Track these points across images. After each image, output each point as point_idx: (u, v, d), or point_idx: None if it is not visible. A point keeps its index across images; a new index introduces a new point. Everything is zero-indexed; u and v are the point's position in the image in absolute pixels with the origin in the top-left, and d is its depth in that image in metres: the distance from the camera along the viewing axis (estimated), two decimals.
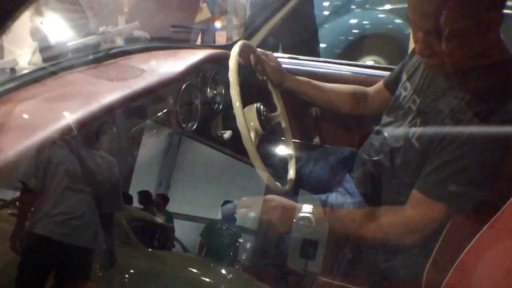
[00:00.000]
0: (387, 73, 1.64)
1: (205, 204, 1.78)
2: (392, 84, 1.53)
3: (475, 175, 1.12)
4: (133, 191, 1.65)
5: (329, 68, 2.06)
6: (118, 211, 1.48)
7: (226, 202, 1.62)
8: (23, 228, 1.24)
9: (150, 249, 1.62)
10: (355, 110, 1.67)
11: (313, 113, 1.93)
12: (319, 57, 3.00)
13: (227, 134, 1.62)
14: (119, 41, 1.58)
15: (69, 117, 1.02)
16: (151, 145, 1.54)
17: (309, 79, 1.71)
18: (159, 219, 1.69)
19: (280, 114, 1.73)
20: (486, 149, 1.11)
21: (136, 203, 1.69)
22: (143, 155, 1.49)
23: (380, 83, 1.61)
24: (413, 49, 1.38)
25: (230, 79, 1.42)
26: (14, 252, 1.21)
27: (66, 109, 1.07)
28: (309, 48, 3.01)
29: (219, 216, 1.69)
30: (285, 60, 2.12)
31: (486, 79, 1.16)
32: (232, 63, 1.45)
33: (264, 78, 1.73)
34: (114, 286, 1.47)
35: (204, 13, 4.25)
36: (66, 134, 1.02)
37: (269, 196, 1.36)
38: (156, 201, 1.77)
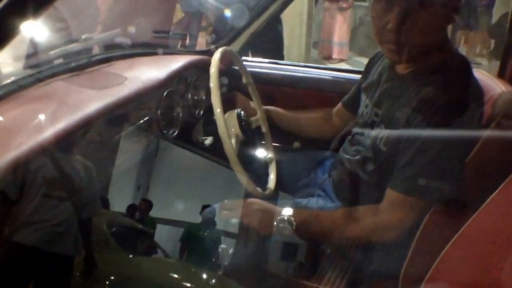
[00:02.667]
0: None
1: (185, 208, 1.79)
2: (351, 103, 1.65)
3: (441, 167, 1.19)
4: (112, 196, 1.65)
5: (309, 73, 2.11)
6: (96, 216, 1.48)
7: (205, 207, 1.64)
8: (2, 237, 1.24)
9: (130, 255, 1.62)
10: (322, 133, 1.78)
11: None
12: (283, 59, 3.13)
13: (208, 140, 1.63)
14: (101, 48, 1.58)
15: (51, 126, 1.03)
16: (130, 151, 1.55)
17: (276, 108, 1.81)
18: (139, 225, 1.69)
19: (260, 119, 1.76)
20: (447, 142, 1.19)
21: (116, 209, 1.69)
22: (121, 161, 1.50)
23: (340, 104, 1.71)
24: (365, 71, 1.54)
25: (211, 85, 1.44)
26: None
27: (47, 118, 1.08)
28: (276, 51, 3.14)
29: (199, 220, 1.70)
30: (265, 65, 2.16)
31: (436, 78, 1.24)
32: (213, 70, 1.47)
33: (245, 82, 1.77)
34: None
35: (177, 14, 4.29)
36: (47, 143, 1.02)
37: (250, 200, 1.39)
38: (139, 206, 1.78)
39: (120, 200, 1.78)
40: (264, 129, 1.77)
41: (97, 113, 1.13)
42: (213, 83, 1.44)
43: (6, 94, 1.11)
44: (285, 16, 6.00)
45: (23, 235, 1.27)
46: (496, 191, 1.01)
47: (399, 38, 1.21)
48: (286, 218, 1.30)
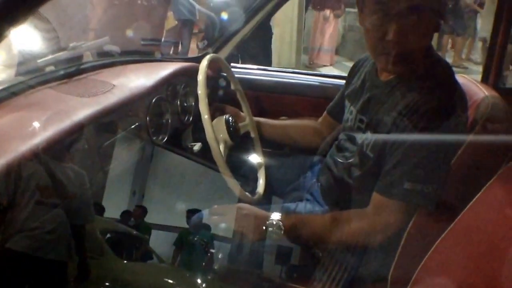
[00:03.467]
0: None
1: (180, 214, 1.79)
2: (335, 111, 1.67)
3: (426, 171, 1.20)
4: (108, 203, 1.66)
5: (297, 78, 2.13)
6: (89, 222, 1.49)
7: (190, 212, 1.65)
8: None
9: (125, 261, 1.62)
10: (309, 142, 1.80)
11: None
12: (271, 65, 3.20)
13: (197, 146, 1.65)
14: (90, 56, 1.59)
15: (40, 133, 1.04)
16: (124, 157, 1.56)
17: (264, 119, 1.84)
18: (133, 230, 1.70)
19: (249, 124, 1.78)
20: (432, 146, 1.20)
21: (110, 215, 1.69)
22: (116, 167, 1.51)
23: (325, 112, 1.74)
24: (348, 79, 1.57)
25: (199, 92, 1.45)
26: None
27: (37, 126, 1.09)
28: (264, 57, 3.21)
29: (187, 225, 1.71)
30: (254, 71, 2.19)
31: (420, 84, 1.26)
32: (201, 77, 1.48)
33: (233, 88, 1.79)
34: None
35: (169, 21, 4.32)
36: (37, 150, 1.03)
37: (240, 205, 1.40)
38: (134, 213, 1.78)
39: (115, 206, 1.78)
40: (253, 134, 1.79)
41: (85, 120, 1.14)
42: (201, 90, 1.46)
43: None
44: (277, 22, 6.07)
45: (16, 242, 1.27)
46: (479, 193, 1.04)
47: (398, 48, 1.22)
48: (275, 223, 1.32)
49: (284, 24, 6.46)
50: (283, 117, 2.00)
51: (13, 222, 1.27)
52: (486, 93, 1.37)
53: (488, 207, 1.03)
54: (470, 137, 1.24)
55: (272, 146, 2.03)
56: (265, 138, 1.83)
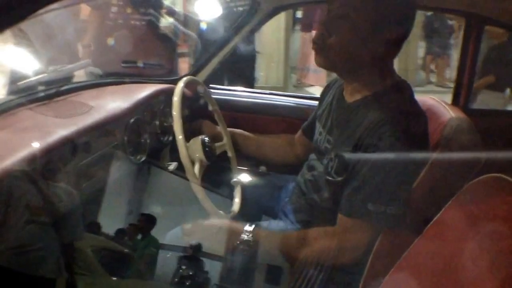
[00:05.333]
0: None
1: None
2: (308, 130, 1.71)
3: (388, 192, 1.23)
4: (103, 221, 1.68)
5: (275, 100, 2.19)
6: (78, 240, 1.51)
7: None
8: None
9: (113, 278, 1.63)
10: (285, 158, 1.85)
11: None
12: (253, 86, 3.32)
13: (173, 166, 1.69)
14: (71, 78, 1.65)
15: (12, 154, 1.09)
16: (119, 175, 1.60)
17: (242, 131, 1.89)
18: (125, 248, 1.70)
19: (226, 144, 1.83)
20: (392, 167, 1.23)
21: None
22: (111, 185, 1.55)
23: (300, 131, 1.79)
24: (320, 100, 1.62)
25: (174, 114, 1.51)
26: None
27: (12, 146, 1.13)
28: (248, 77, 3.32)
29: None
30: (233, 92, 2.25)
31: (378, 105, 1.30)
32: (176, 98, 1.54)
33: (211, 109, 1.85)
34: None
35: None
36: (8, 169, 1.07)
37: (209, 222, 1.44)
38: (127, 231, 1.77)
39: (110, 224, 1.79)
40: (230, 154, 1.84)
41: (60, 141, 1.19)
42: (175, 111, 1.51)
43: None
44: (264, 43, 6.17)
45: (5, 259, 1.29)
46: (438, 214, 1.07)
47: (335, 54, 1.31)
48: (244, 239, 1.36)
49: (271, 44, 6.57)
50: None
51: (3, 239, 1.29)
52: (453, 114, 1.41)
53: (446, 228, 1.05)
54: (432, 158, 1.27)
55: (249, 164, 2.08)
56: (241, 150, 1.87)
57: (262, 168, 2.07)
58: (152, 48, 2.60)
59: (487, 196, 1.01)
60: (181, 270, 1.47)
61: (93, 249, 1.57)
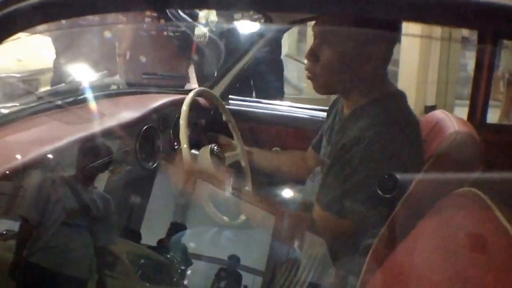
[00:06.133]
0: None
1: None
2: (317, 145, 1.73)
3: (367, 193, 1.26)
4: (146, 230, 1.79)
5: (290, 111, 2.25)
6: (111, 244, 1.60)
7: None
8: (21, 258, 1.36)
9: (147, 284, 1.66)
10: (297, 174, 1.86)
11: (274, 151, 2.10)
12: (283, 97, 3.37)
13: None
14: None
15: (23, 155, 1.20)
16: (130, 179, 1.70)
17: (256, 149, 1.95)
18: (163, 257, 1.73)
19: (240, 153, 1.89)
20: (371, 169, 1.27)
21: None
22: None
23: (310, 147, 1.81)
24: (327, 115, 1.65)
25: (181, 122, 1.59)
26: (12, 279, 1.34)
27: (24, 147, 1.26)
28: (277, 90, 3.37)
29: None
30: (250, 103, 2.33)
31: (369, 113, 1.33)
32: (184, 107, 1.61)
33: (225, 119, 1.93)
34: None
35: None
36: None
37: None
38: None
39: (153, 234, 1.86)
40: (243, 163, 1.90)
41: (66, 145, 1.30)
42: (182, 120, 1.59)
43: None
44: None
45: (41, 258, 1.39)
46: (414, 228, 1.08)
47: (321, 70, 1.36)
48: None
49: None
50: (276, 148, 2.12)
51: (39, 239, 1.40)
52: (457, 128, 1.41)
53: (419, 239, 1.06)
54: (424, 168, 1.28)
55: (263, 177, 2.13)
56: (255, 166, 1.92)
57: (276, 149, 2.12)
58: (178, 59, 2.73)
59: (458, 209, 1.03)
60: (218, 282, 1.49)
61: (127, 254, 1.65)
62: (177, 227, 1.81)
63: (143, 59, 2.64)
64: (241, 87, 3.00)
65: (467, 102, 2.08)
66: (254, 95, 3.30)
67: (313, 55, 1.36)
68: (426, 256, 1.01)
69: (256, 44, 2.17)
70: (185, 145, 1.56)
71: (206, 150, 1.70)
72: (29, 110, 1.48)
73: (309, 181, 1.63)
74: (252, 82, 3.35)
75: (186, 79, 2.72)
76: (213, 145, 1.73)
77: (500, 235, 0.84)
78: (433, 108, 4.62)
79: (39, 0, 0.78)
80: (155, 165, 1.81)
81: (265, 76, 3.28)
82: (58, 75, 2.60)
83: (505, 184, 1.07)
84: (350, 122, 1.39)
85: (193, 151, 1.73)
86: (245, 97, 2.52)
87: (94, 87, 1.78)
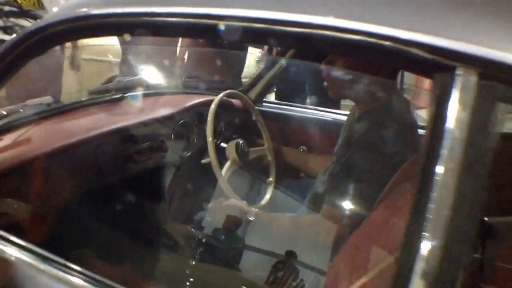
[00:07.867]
0: None
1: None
2: None
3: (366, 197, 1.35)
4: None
5: (316, 114, 2.44)
6: (163, 224, 1.85)
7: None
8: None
9: (193, 262, 1.70)
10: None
11: (301, 151, 2.33)
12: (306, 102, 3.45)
13: (205, 160, 1.99)
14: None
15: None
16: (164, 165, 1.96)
17: (289, 148, 2.18)
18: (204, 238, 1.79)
19: (266, 148, 2.12)
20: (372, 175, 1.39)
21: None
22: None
23: None
24: (347, 118, 1.76)
25: (208, 119, 1.80)
26: None
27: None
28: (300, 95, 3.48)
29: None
30: (280, 106, 2.54)
31: (371, 118, 1.48)
32: (213, 106, 1.84)
33: (254, 118, 2.15)
34: None
35: None
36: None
37: (228, 201, 1.70)
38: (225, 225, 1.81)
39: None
40: (269, 157, 2.12)
41: (107, 133, 1.59)
42: (210, 117, 1.81)
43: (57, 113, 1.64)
44: None
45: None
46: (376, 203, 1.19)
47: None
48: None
49: None
50: (302, 147, 2.34)
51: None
52: None
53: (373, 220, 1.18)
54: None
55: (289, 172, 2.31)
56: (288, 163, 2.14)
57: (303, 147, 2.32)
58: (229, 69, 3.00)
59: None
60: (275, 273, 1.51)
61: (179, 235, 1.79)
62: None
63: (196, 65, 2.93)
64: (295, 93, 3.27)
65: None
66: (308, 101, 3.40)
67: (326, 69, 1.55)
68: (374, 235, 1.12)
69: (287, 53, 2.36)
70: (210, 139, 1.77)
71: (232, 144, 1.92)
72: (82, 103, 1.80)
73: (321, 175, 1.81)
74: (307, 90, 3.43)
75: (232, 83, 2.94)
76: (239, 140, 1.95)
77: None
78: None
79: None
80: (189, 154, 2.06)
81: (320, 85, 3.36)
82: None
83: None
84: (357, 124, 1.54)
85: (222, 144, 1.98)
86: (298, 103, 2.71)
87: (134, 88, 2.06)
